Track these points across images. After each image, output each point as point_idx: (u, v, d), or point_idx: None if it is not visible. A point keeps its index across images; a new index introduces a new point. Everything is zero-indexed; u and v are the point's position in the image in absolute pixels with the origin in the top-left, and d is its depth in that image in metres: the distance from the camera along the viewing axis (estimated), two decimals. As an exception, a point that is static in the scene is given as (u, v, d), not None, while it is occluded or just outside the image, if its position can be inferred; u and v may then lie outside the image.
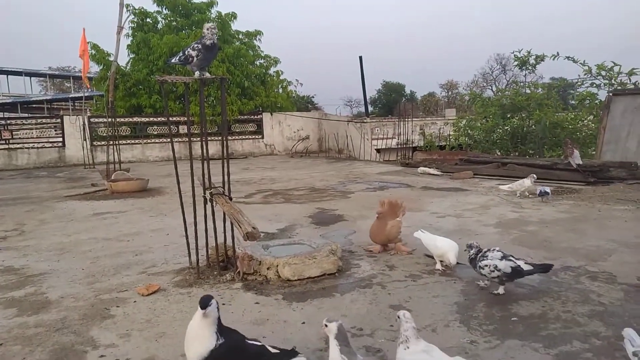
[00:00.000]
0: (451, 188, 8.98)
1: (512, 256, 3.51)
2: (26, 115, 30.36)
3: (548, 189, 7.37)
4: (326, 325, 2.25)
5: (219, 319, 2.26)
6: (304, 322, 3.14)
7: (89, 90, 24.41)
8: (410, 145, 18.03)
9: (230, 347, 2.22)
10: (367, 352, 2.72)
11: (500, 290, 3.51)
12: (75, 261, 4.75)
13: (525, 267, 3.45)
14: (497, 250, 3.53)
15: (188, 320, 3.17)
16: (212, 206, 4.08)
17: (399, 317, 2.29)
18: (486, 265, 3.45)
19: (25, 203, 8.57)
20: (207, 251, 4.33)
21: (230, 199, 4.05)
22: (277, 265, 3.92)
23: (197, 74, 3.86)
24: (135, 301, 3.61)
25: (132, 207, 7.87)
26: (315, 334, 2.89)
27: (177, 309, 3.44)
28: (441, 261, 4.14)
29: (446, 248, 4.04)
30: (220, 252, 4.23)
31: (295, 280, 3.86)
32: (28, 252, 5.17)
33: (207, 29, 3.76)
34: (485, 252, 3.56)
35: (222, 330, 2.25)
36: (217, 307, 2.24)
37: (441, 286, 3.76)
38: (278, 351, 2.34)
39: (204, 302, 2.19)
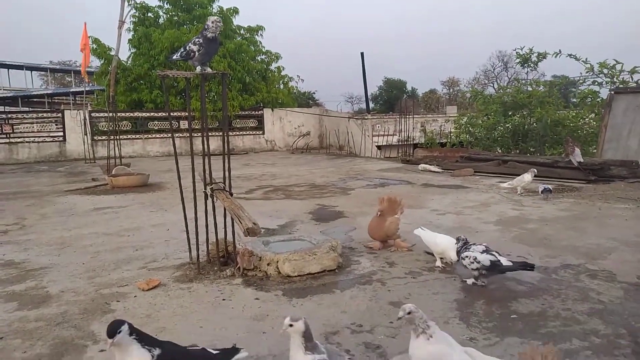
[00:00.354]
0: (452, 185, 8.99)
1: (497, 253, 3.58)
2: (27, 109, 30.46)
3: (550, 187, 7.38)
4: (291, 325, 2.00)
5: (142, 335, 2.04)
6: (303, 318, 3.15)
7: (89, 84, 24.40)
8: (411, 142, 18.01)
9: (169, 356, 2.05)
10: (367, 348, 2.73)
11: (480, 282, 3.58)
12: (75, 256, 4.75)
13: (505, 263, 3.51)
14: (482, 245, 3.62)
15: (189, 315, 3.22)
16: (213, 202, 4.08)
17: (411, 312, 2.10)
18: (467, 257, 3.56)
19: (26, 197, 8.58)
20: (207, 246, 4.33)
21: (231, 194, 4.05)
22: (277, 261, 3.93)
23: (198, 69, 3.85)
24: (135, 296, 3.61)
25: (132, 202, 7.88)
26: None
27: (177, 304, 3.45)
28: (441, 258, 4.15)
29: (446, 245, 4.04)
30: (220, 247, 4.24)
31: (295, 276, 3.86)
32: (29, 246, 5.18)
33: (212, 22, 3.73)
34: (470, 245, 3.65)
35: (151, 342, 2.04)
36: (130, 329, 1.97)
37: (441, 283, 3.76)
38: (218, 351, 2.23)
39: (111, 330, 1.91)
